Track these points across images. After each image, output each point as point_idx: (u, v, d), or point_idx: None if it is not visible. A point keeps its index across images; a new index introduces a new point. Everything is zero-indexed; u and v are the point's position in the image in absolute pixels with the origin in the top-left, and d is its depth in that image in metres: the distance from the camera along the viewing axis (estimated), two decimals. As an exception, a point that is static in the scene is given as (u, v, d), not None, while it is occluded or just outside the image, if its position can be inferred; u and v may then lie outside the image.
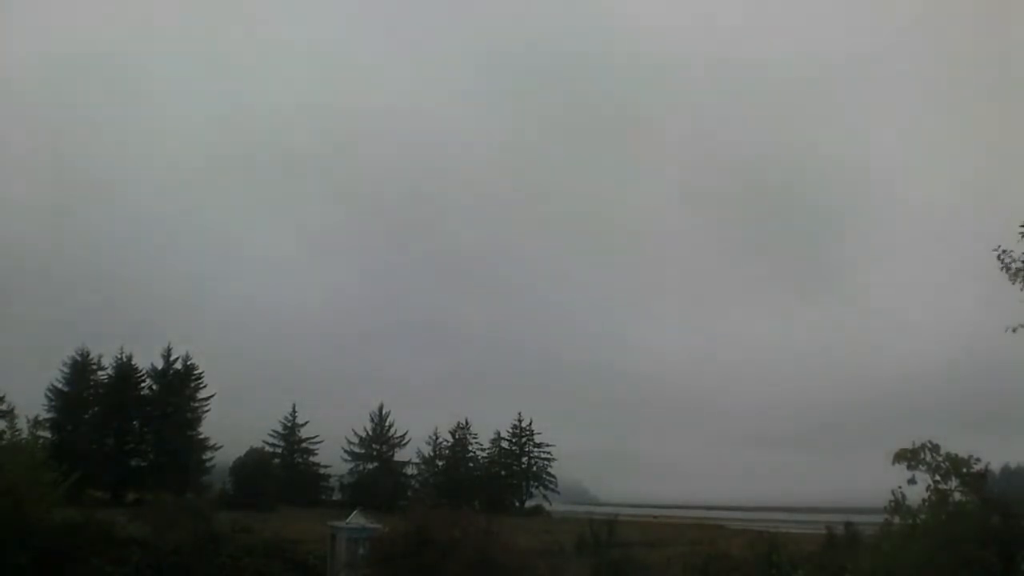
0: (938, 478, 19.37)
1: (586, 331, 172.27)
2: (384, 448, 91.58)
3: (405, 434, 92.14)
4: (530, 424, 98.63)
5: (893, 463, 19.80)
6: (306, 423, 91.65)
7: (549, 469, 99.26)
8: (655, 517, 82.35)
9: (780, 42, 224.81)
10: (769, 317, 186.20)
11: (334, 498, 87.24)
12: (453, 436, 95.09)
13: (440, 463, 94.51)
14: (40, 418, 36.81)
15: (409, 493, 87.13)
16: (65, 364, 73.96)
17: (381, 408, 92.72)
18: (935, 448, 19.58)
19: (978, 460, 19.57)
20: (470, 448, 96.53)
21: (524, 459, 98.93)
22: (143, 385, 76.55)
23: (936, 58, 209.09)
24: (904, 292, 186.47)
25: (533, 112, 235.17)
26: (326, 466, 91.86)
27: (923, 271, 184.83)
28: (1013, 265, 17.66)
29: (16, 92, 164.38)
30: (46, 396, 71.38)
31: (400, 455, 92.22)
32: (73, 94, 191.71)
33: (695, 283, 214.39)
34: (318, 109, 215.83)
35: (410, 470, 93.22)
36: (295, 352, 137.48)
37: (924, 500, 19.43)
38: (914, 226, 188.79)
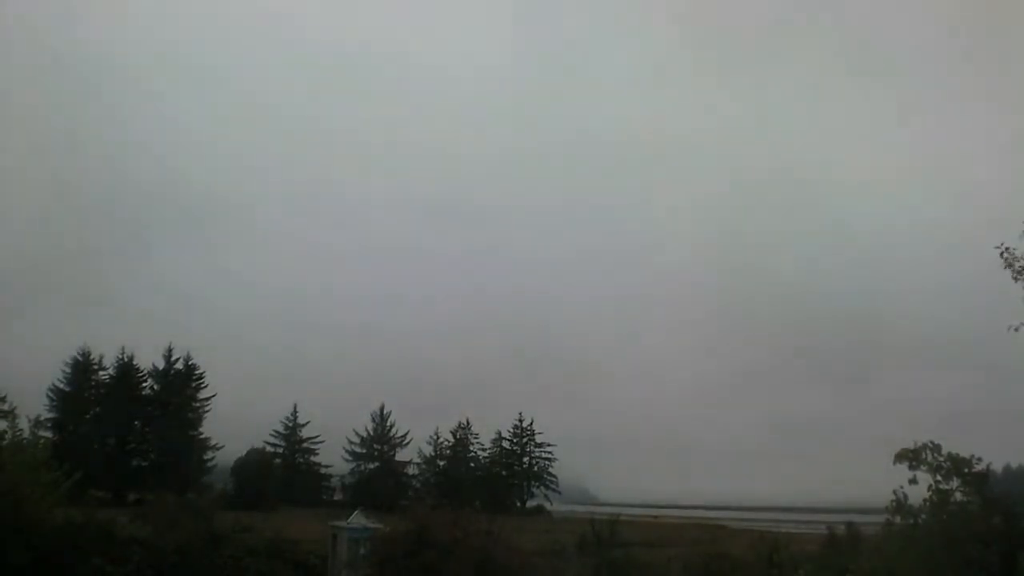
0: (939, 478, 19.31)
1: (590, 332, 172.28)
2: (385, 448, 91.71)
3: (406, 434, 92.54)
4: (531, 424, 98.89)
5: (894, 463, 19.74)
6: (307, 423, 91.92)
7: (550, 469, 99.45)
8: (656, 517, 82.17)
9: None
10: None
11: (335, 498, 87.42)
12: (454, 436, 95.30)
13: (441, 463, 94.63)
14: (42, 418, 36.75)
15: (410, 493, 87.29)
16: (66, 364, 74.32)
17: (382, 408, 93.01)
18: (936, 448, 19.53)
19: (979, 460, 19.53)
20: (471, 448, 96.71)
21: (525, 459, 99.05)
22: (144, 385, 76.82)
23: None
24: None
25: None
26: (327, 466, 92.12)
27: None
28: (1016, 264, 17.55)
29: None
30: (47, 396, 71.89)
31: (401, 455, 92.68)
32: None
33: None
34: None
35: (411, 470, 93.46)
36: (296, 350, 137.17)
37: (925, 500, 19.37)
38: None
